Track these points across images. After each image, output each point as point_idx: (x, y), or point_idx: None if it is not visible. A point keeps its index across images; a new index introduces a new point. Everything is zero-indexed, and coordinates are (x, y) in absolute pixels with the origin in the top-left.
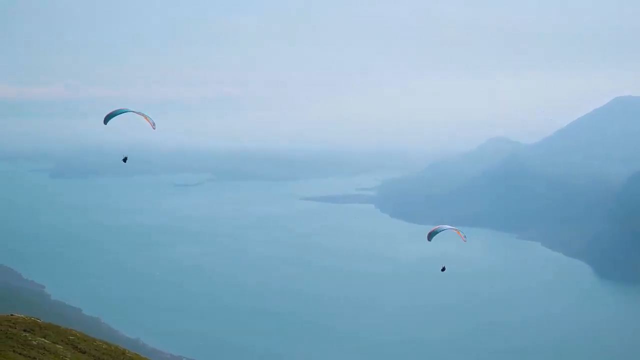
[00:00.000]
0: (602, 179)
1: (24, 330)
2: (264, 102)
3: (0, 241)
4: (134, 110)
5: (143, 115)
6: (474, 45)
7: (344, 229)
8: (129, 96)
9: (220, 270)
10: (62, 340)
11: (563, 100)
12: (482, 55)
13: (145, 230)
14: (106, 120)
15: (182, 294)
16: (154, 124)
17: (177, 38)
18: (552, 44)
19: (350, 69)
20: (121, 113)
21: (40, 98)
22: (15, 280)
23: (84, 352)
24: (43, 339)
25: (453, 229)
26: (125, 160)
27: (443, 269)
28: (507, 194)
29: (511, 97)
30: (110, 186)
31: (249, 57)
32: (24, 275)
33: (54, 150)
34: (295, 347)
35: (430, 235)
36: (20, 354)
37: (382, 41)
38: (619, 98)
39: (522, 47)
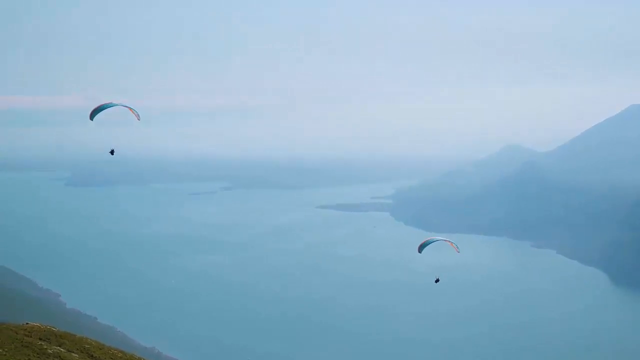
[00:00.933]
0: (618, 186)
1: (40, 339)
2: (281, 111)
3: (16, 250)
4: (118, 103)
5: (128, 107)
6: (488, 54)
7: (360, 237)
8: (147, 106)
9: (237, 279)
10: (77, 349)
11: (578, 108)
12: (496, 63)
13: (161, 239)
14: (92, 115)
15: (198, 303)
16: (138, 115)
17: (194, 49)
18: (566, 52)
19: (365, 79)
20: (107, 107)
21: (57, 107)
22: (30, 289)
23: None
24: (59, 348)
25: (445, 240)
26: (112, 152)
27: (437, 281)
28: (522, 202)
29: (526, 105)
30: (126, 195)
31: (266, 67)
32: (39, 283)
33: (70, 159)
34: (313, 355)
35: (421, 247)
36: None
37: (398, 51)
38: (634, 105)
39: (536, 56)
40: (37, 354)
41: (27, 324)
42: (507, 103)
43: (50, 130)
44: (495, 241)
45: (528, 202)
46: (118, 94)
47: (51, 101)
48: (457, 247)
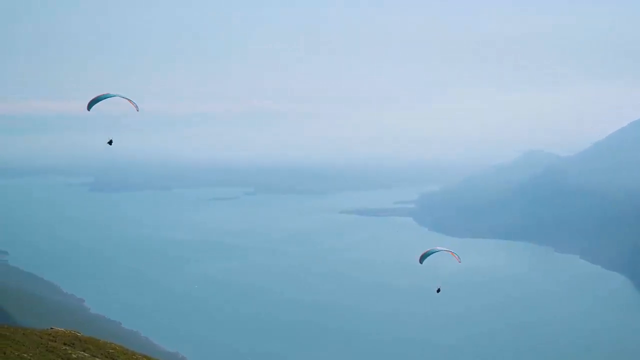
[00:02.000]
0: None
1: (65, 344)
2: (303, 116)
3: (40, 255)
4: (116, 94)
5: (126, 98)
6: (509, 60)
7: (383, 243)
8: (169, 110)
9: (259, 285)
10: (101, 354)
11: (600, 113)
12: (517, 69)
13: (183, 244)
14: (89, 106)
15: (220, 308)
16: (137, 107)
17: (215, 54)
18: (588, 56)
19: (387, 84)
20: (105, 98)
21: (79, 112)
22: (55, 294)
23: None
24: (83, 353)
25: (447, 250)
26: (110, 142)
27: (438, 290)
28: (545, 207)
29: (548, 110)
30: (149, 200)
31: (288, 72)
32: (63, 289)
33: (93, 164)
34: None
35: (422, 258)
36: None
37: (419, 57)
38: None
39: (558, 60)
40: (62, 358)
41: (51, 329)
42: (529, 108)
43: (73, 135)
44: (517, 246)
45: (550, 207)
46: (141, 98)
47: (74, 106)
48: (459, 258)
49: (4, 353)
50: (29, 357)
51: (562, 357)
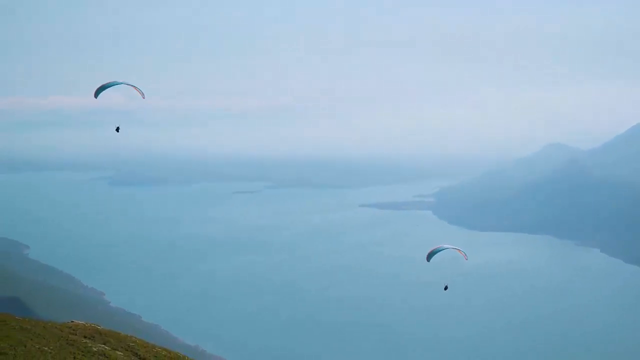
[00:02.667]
0: None
1: (85, 337)
2: (324, 111)
3: (61, 248)
4: (123, 82)
5: (132, 85)
6: (529, 55)
7: (403, 236)
8: (191, 105)
9: (279, 279)
10: (122, 347)
11: (621, 106)
12: (537, 63)
13: (204, 239)
14: (97, 93)
15: (241, 303)
16: (143, 94)
17: (237, 49)
18: (609, 50)
19: (407, 79)
20: (111, 86)
21: (99, 107)
22: (75, 288)
23: (144, 359)
24: (103, 346)
25: (455, 248)
26: (117, 129)
27: (445, 288)
28: (566, 200)
29: (569, 103)
30: (169, 194)
31: (310, 67)
32: (84, 282)
33: (115, 158)
34: (356, 355)
35: (430, 256)
36: None
37: (440, 53)
38: None
39: (580, 55)
40: (82, 351)
41: (72, 322)
42: (550, 102)
43: (93, 130)
44: (538, 239)
45: (571, 201)
46: (162, 94)
47: (94, 101)
48: (466, 255)
49: (25, 346)
50: (49, 350)
51: (579, 348)
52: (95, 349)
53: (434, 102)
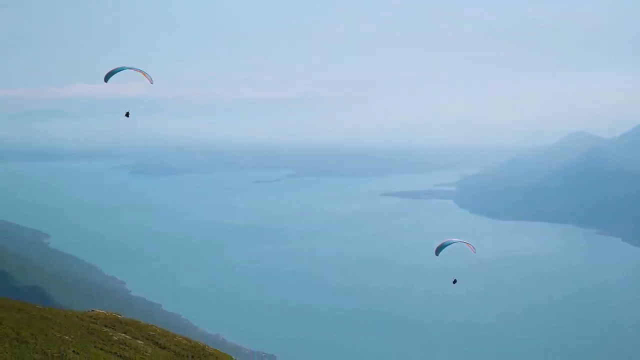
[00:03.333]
0: None
1: (105, 326)
2: (347, 101)
3: (81, 238)
4: (131, 67)
5: (140, 71)
6: (552, 45)
7: (425, 225)
8: (212, 95)
9: (301, 268)
10: (142, 336)
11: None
12: (560, 53)
13: (224, 228)
14: (106, 78)
15: (261, 292)
16: (151, 79)
17: (262, 40)
18: (632, 40)
19: (432, 70)
20: (120, 70)
21: (120, 96)
22: (96, 277)
23: (164, 348)
24: (124, 335)
25: (462, 241)
26: (127, 115)
27: (454, 282)
28: (587, 189)
29: (590, 93)
30: (190, 183)
31: (334, 57)
32: (104, 271)
33: (134, 147)
34: (379, 344)
35: (438, 250)
36: (101, 349)
37: (464, 44)
38: None
39: (601, 44)
40: (103, 340)
41: (92, 311)
42: (572, 91)
43: (113, 119)
44: (560, 228)
45: (593, 189)
46: (184, 84)
47: (114, 90)
48: (474, 248)
49: (46, 335)
50: (70, 339)
51: (596, 332)
52: (115, 338)
53: (454, 92)
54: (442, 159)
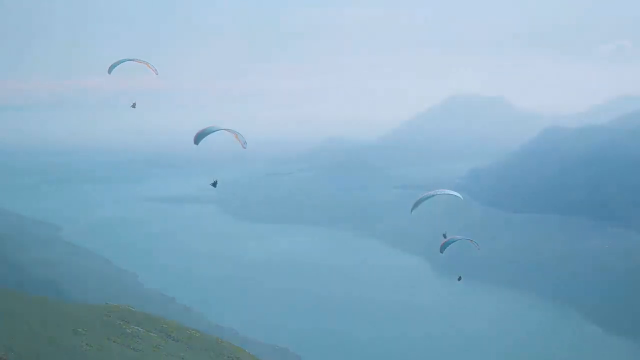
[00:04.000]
0: None
1: (119, 319)
2: (361, 91)
3: (94, 230)
4: (134, 58)
5: (145, 63)
6: (565, 31)
7: (436, 219)
8: (223, 88)
9: (314, 260)
10: (155, 329)
11: None
12: (574, 41)
13: (236, 219)
14: (110, 69)
15: (275, 284)
16: (156, 70)
17: (275, 34)
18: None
19: (444, 59)
20: (124, 62)
21: (140, 89)
22: (109, 269)
23: (177, 341)
24: (137, 327)
25: (466, 239)
26: (134, 105)
27: (459, 279)
28: (601, 181)
29: (598, 80)
30: (201, 176)
31: (345, 47)
32: (117, 264)
33: (147, 142)
34: (391, 334)
35: (442, 248)
36: (114, 341)
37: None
38: None
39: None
40: (116, 333)
41: (106, 304)
42: (581, 82)
43: (129, 113)
44: (573, 222)
45: (607, 182)
46: (198, 77)
47: (129, 84)
48: (478, 245)
49: (60, 327)
50: (84, 332)
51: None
52: (129, 331)
53: (470, 79)
54: (452, 151)
